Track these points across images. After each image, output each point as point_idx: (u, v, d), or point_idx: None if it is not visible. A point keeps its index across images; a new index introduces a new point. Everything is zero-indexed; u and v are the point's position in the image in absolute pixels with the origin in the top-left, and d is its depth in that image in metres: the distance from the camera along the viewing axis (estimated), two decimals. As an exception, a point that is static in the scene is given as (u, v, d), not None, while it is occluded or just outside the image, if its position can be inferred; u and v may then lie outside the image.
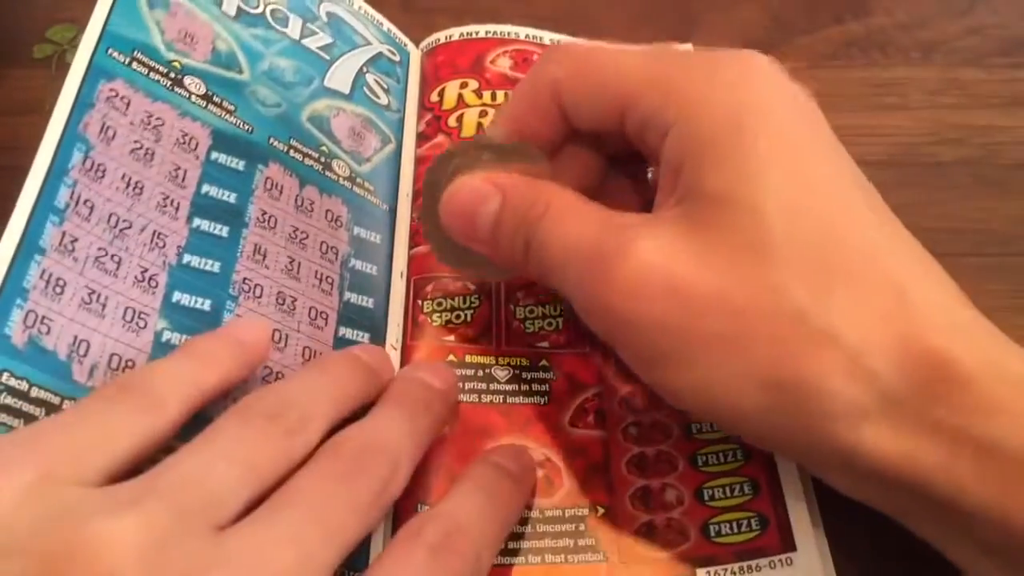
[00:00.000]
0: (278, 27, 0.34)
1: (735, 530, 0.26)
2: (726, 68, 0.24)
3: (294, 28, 0.35)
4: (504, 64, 0.37)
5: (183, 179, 0.28)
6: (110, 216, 0.26)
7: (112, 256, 0.26)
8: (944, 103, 0.39)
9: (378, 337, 0.30)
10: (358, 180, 0.33)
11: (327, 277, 0.30)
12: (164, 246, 0.27)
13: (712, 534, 0.26)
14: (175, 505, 0.20)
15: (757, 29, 0.42)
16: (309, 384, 0.25)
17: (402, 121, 0.36)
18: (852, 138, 0.38)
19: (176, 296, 0.27)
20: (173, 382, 0.23)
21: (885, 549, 0.24)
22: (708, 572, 0.26)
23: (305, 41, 0.35)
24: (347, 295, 0.30)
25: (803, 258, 0.22)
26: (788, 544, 0.26)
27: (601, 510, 0.27)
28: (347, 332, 0.30)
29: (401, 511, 0.26)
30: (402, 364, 0.30)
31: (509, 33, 0.38)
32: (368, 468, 0.23)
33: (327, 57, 0.35)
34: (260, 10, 0.34)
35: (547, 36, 0.39)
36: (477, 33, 0.38)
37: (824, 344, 0.22)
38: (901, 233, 0.24)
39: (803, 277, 0.22)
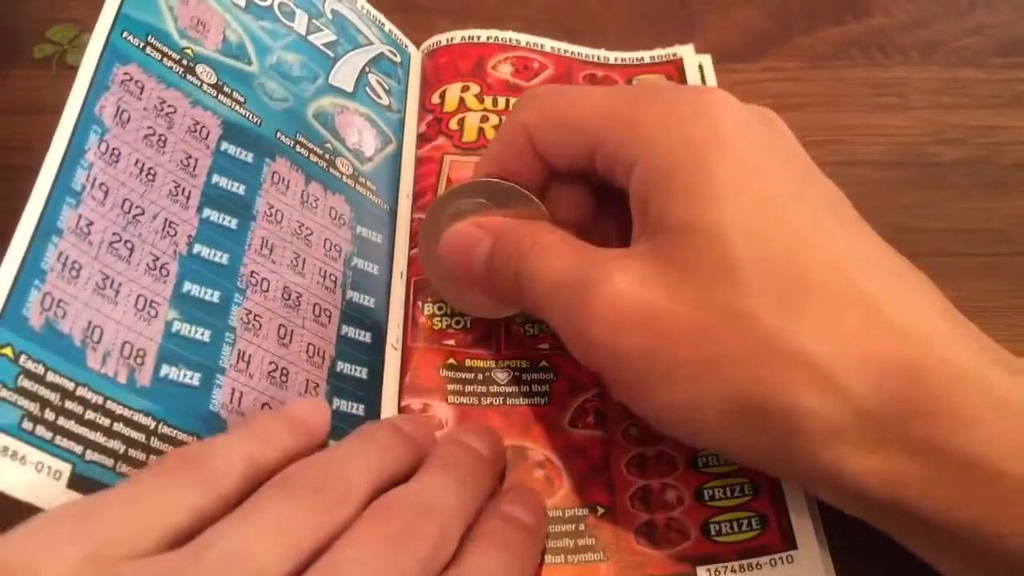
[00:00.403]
0: (285, 21, 0.35)
1: (735, 529, 0.26)
2: (682, 105, 0.25)
3: (300, 23, 0.35)
4: (505, 70, 0.37)
5: (194, 168, 0.28)
6: (124, 202, 0.26)
7: (125, 242, 0.26)
8: (944, 103, 0.39)
9: (379, 337, 0.30)
10: (360, 179, 0.33)
11: (331, 274, 0.30)
12: (175, 235, 0.27)
13: (712, 533, 0.26)
14: None
15: (757, 29, 0.42)
16: (352, 455, 0.25)
17: (402, 122, 0.36)
18: (852, 138, 0.39)
19: (186, 286, 0.27)
20: (232, 458, 0.23)
21: (884, 546, 0.24)
22: (709, 570, 0.26)
23: (311, 37, 0.35)
24: (349, 293, 0.30)
25: (770, 281, 0.22)
26: (789, 542, 0.26)
27: (601, 510, 0.27)
28: (349, 331, 0.30)
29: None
30: (402, 364, 0.30)
31: (510, 40, 0.38)
32: (418, 532, 0.22)
33: (331, 54, 0.35)
34: (268, 2, 0.34)
35: (548, 44, 0.39)
36: (479, 38, 0.38)
37: (795, 365, 0.22)
38: (872, 244, 0.24)
39: (771, 300, 0.22)
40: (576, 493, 0.27)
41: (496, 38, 0.38)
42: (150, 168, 0.27)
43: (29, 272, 0.23)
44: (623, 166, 0.25)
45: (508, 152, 0.28)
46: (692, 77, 0.38)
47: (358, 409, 0.28)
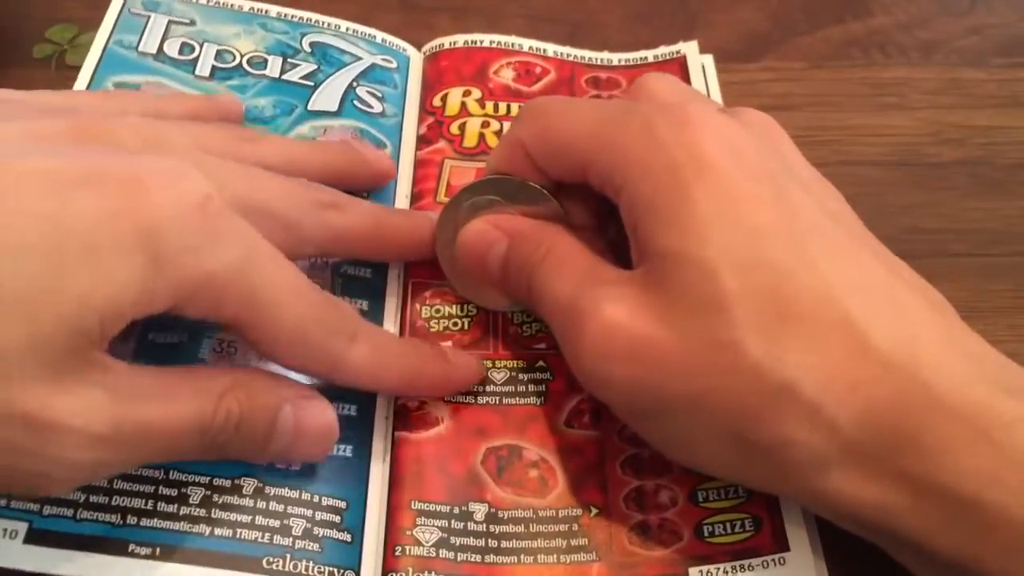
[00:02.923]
0: (255, 71, 0.35)
1: (728, 531, 0.26)
2: (662, 127, 0.24)
3: (273, 68, 0.36)
4: (507, 75, 0.37)
5: None
6: None
7: None
8: (944, 103, 0.39)
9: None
10: None
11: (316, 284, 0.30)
12: None
13: (705, 534, 0.26)
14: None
15: (757, 29, 0.42)
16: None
17: (400, 125, 0.36)
18: (852, 138, 0.39)
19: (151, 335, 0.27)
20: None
21: (877, 551, 0.24)
22: (701, 571, 0.25)
23: (286, 76, 0.35)
24: (340, 298, 0.30)
25: (757, 311, 0.22)
26: (781, 544, 0.26)
27: (595, 510, 0.27)
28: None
29: (396, 506, 0.27)
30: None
31: (513, 44, 0.38)
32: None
33: (311, 83, 0.35)
34: (236, 63, 0.35)
35: (551, 48, 0.39)
36: (481, 42, 0.38)
37: (782, 398, 0.22)
38: (865, 264, 0.24)
39: (757, 331, 0.22)
40: (570, 493, 0.27)
41: (499, 43, 0.38)
42: None
43: None
44: (612, 189, 0.26)
45: (510, 162, 0.28)
46: (695, 74, 0.37)
47: (351, 410, 0.28)
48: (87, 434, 0.20)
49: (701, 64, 0.38)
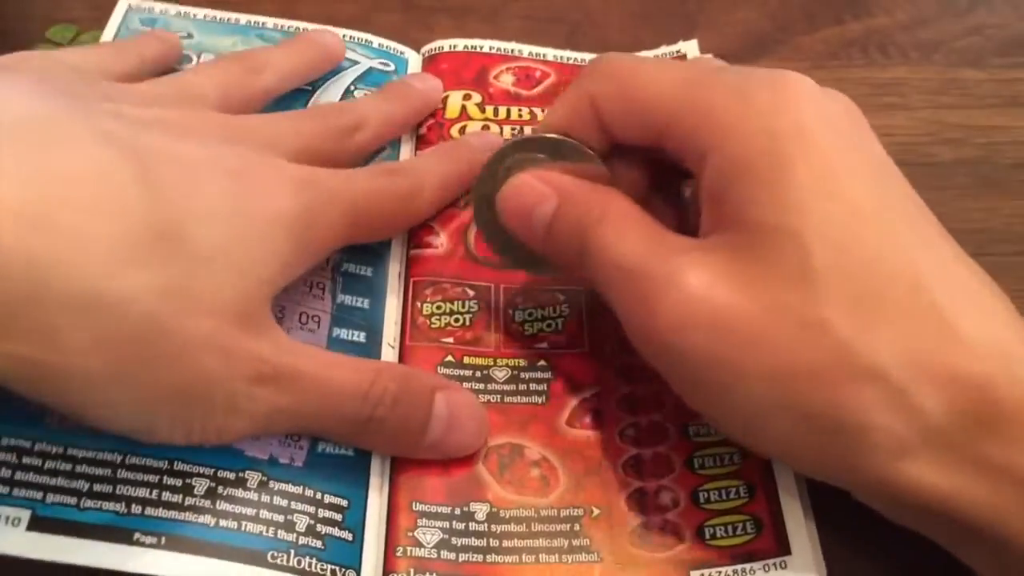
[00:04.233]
0: None
1: (730, 533, 0.26)
2: (760, 92, 0.24)
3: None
4: (507, 80, 0.37)
5: None
6: None
7: None
8: (944, 103, 0.39)
9: (375, 335, 0.30)
10: None
11: (318, 283, 0.30)
12: None
13: (707, 537, 0.26)
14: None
15: (757, 29, 0.42)
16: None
17: None
18: (852, 138, 0.39)
19: None
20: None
21: (880, 553, 0.24)
22: (702, 574, 0.25)
23: None
24: (340, 297, 0.30)
25: (848, 292, 0.22)
26: (783, 547, 0.25)
27: (596, 511, 0.27)
28: (341, 332, 0.30)
29: (397, 507, 0.27)
30: (400, 362, 0.30)
31: (513, 50, 0.38)
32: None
33: (308, 88, 0.35)
34: None
35: (551, 53, 0.39)
36: (481, 48, 0.38)
37: (867, 379, 0.21)
38: (949, 257, 0.24)
39: (847, 311, 0.22)
40: (572, 493, 0.27)
41: (498, 49, 0.38)
42: None
43: None
44: (695, 153, 0.25)
45: (573, 118, 0.27)
46: None
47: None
48: (264, 373, 0.24)
49: None
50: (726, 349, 0.23)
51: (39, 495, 0.23)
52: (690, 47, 0.38)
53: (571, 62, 0.38)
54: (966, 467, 0.21)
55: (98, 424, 0.23)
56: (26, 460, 0.23)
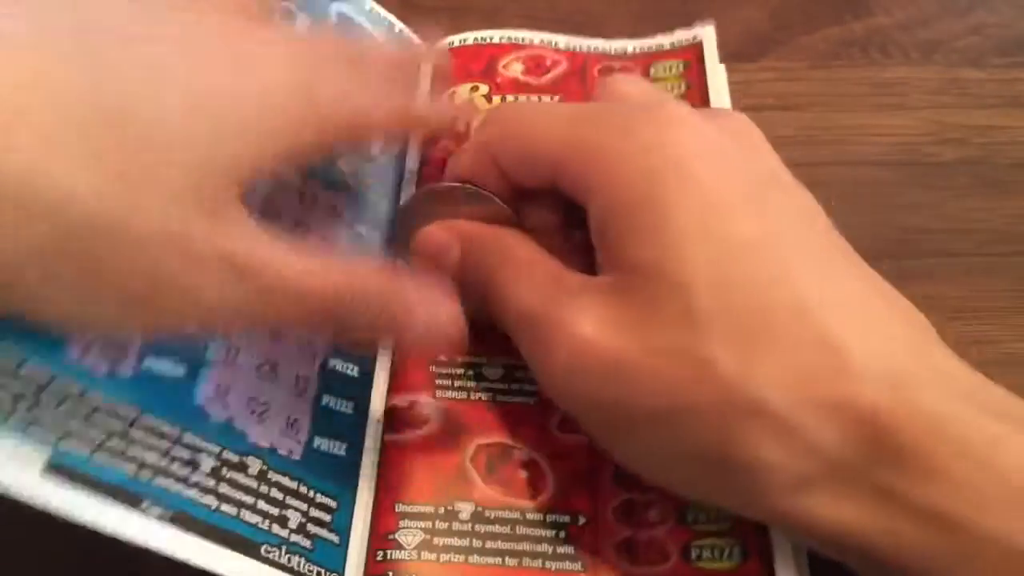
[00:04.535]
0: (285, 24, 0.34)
1: (716, 556, 0.25)
2: (640, 129, 0.24)
3: (301, 27, 0.34)
4: (516, 69, 0.37)
5: None
6: None
7: None
8: (944, 103, 0.39)
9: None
10: (362, 177, 0.33)
11: None
12: None
13: (693, 557, 0.25)
14: None
15: (757, 29, 0.42)
16: None
17: None
18: (852, 138, 0.38)
19: None
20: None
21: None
22: None
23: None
24: None
25: (732, 328, 0.22)
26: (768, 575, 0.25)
27: (583, 519, 0.26)
28: (338, 329, 0.29)
29: (380, 509, 0.26)
30: (392, 363, 0.30)
31: (523, 39, 0.38)
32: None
33: None
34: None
35: (562, 41, 0.38)
36: (491, 39, 0.37)
37: (753, 415, 0.21)
38: (842, 274, 0.23)
39: (733, 348, 0.21)
40: (559, 498, 0.27)
41: (509, 38, 0.37)
42: None
43: None
44: (583, 193, 0.25)
45: (475, 167, 0.27)
46: (711, 62, 0.36)
47: (348, 407, 0.28)
48: (228, 257, 0.22)
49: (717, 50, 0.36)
50: (617, 393, 0.23)
51: (54, 437, 0.22)
52: (707, 34, 0.37)
53: (583, 50, 0.37)
54: (863, 498, 0.21)
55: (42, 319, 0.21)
56: (44, 397, 0.23)
